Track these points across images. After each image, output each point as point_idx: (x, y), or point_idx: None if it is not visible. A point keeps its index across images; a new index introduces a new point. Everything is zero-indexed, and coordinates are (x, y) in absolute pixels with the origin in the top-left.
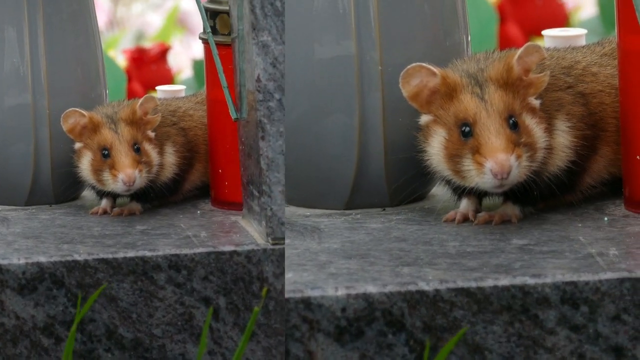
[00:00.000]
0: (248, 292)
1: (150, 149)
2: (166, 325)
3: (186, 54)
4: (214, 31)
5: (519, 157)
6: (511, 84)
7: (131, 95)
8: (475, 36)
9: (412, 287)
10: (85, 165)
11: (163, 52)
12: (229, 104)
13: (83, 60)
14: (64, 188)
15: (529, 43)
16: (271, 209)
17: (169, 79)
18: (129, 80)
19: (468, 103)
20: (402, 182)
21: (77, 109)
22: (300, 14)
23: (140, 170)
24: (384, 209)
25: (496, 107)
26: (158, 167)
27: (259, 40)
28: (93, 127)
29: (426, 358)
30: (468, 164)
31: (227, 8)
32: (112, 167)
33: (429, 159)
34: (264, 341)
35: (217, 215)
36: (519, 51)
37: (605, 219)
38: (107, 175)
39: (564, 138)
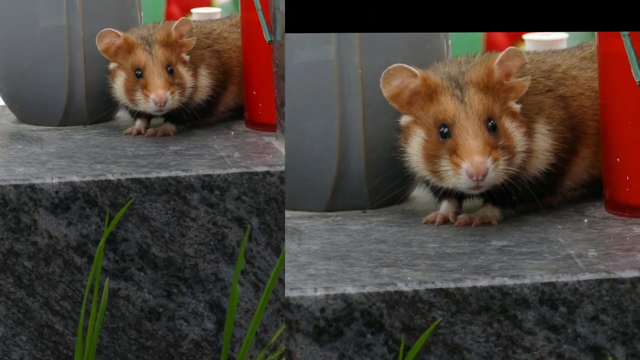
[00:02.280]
0: (281, 212)
1: (184, 71)
2: (199, 244)
3: None
4: None
5: (495, 159)
6: (491, 88)
7: (169, 18)
8: (460, 40)
9: (390, 288)
10: (118, 85)
11: None
12: (262, 27)
13: None
14: (98, 108)
15: (510, 47)
16: None
17: (207, 3)
18: (168, 3)
19: (447, 104)
20: (383, 185)
21: (112, 29)
22: None
23: (172, 92)
24: (365, 211)
25: (475, 109)
26: (191, 89)
27: None
28: (127, 48)
29: (401, 357)
30: (445, 165)
31: None
32: (145, 87)
33: (408, 160)
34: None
35: (250, 136)
36: (500, 55)
37: (585, 220)
38: (139, 95)
39: (544, 141)
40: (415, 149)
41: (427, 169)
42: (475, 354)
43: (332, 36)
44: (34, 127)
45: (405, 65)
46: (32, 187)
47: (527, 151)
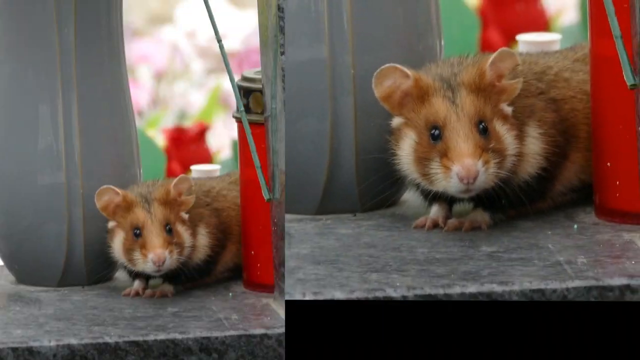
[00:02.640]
0: None
1: (182, 230)
2: None
3: (227, 133)
4: (248, 110)
5: (486, 162)
6: (483, 89)
7: (170, 175)
8: (457, 41)
9: (379, 294)
10: (117, 244)
11: (202, 132)
12: (261, 184)
13: (117, 139)
14: (97, 269)
15: (502, 48)
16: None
17: (207, 159)
18: (168, 159)
19: (439, 106)
20: (373, 187)
21: (111, 187)
22: None
23: (171, 252)
24: (355, 215)
25: (467, 111)
26: (190, 248)
27: None
28: (126, 206)
29: None
30: (436, 167)
31: (261, 86)
32: (143, 247)
33: (398, 162)
34: None
35: (249, 297)
36: (492, 56)
37: (575, 226)
38: (137, 255)
39: (535, 145)
40: (406, 151)
41: (418, 172)
42: None
43: (325, 35)
44: (32, 288)
45: (398, 66)
46: (29, 350)
47: (518, 154)
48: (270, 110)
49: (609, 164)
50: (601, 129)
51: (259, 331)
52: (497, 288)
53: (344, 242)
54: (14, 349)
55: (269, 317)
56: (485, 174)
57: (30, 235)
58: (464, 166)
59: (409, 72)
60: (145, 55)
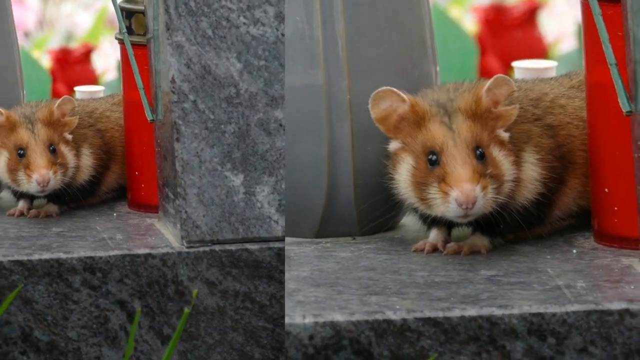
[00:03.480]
0: (163, 295)
1: (66, 150)
2: (82, 328)
3: (114, 54)
4: (130, 31)
5: (484, 188)
6: (479, 115)
7: (55, 95)
8: (456, 68)
9: (379, 316)
10: (1, 164)
11: (87, 53)
12: (144, 106)
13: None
14: None
15: (498, 75)
16: (186, 212)
17: (93, 80)
18: (54, 80)
19: (436, 132)
20: (372, 211)
21: None
22: None
23: (55, 172)
24: (354, 238)
25: (464, 137)
26: (74, 169)
27: (173, 40)
28: (10, 127)
29: None
30: (434, 193)
31: (143, 8)
32: (27, 167)
33: (396, 187)
34: (180, 345)
35: (133, 217)
36: (488, 83)
37: (574, 251)
38: (21, 175)
39: (532, 170)
40: (403, 175)
41: (416, 197)
42: None
43: (321, 61)
44: None
45: (394, 90)
46: None
47: (516, 180)
48: (153, 32)
49: (606, 189)
50: (598, 155)
51: (143, 251)
52: (497, 311)
53: (344, 265)
54: None
55: (153, 237)
56: (483, 199)
57: None
58: (462, 191)
59: (405, 96)
60: None
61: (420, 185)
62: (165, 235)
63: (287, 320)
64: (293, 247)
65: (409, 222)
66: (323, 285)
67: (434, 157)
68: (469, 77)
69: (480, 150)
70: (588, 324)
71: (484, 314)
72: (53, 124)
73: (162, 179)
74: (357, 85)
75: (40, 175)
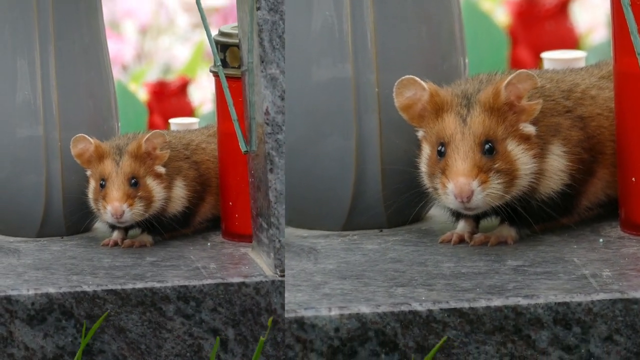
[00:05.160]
0: (256, 323)
1: (154, 184)
2: (175, 356)
3: (211, 87)
4: (224, 64)
5: (483, 182)
6: (497, 109)
7: (152, 128)
8: (487, 60)
9: (405, 308)
10: (89, 193)
11: (184, 86)
12: (238, 137)
13: (95, 92)
14: (76, 219)
15: (520, 70)
16: (279, 241)
17: (189, 112)
18: (150, 113)
19: (448, 123)
20: (400, 203)
21: (85, 136)
22: (298, 36)
23: (131, 205)
24: (382, 230)
25: (474, 130)
26: (163, 201)
27: (267, 72)
28: (98, 156)
29: None
30: (437, 183)
31: (237, 41)
32: (104, 198)
33: (419, 175)
34: None
35: (227, 247)
36: (510, 77)
37: (601, 240)
38: (100, 206)
39: (558, 162)
40: (422, 164)
41: (430, 186)
42: None
43: (350, 54)
44: (11, 239)
45: (417, 79)
46: (8, 298)
47: (539, 172)
48: (247, 64)
49: (633, 179)
50: (626, 145)
51: (236, 280)
52: (523, 301)
53: (370, 257)
54: None
55: (247, 266)
56: (482, 193)
57: (9, 186)
58: (456, 185)
59: (425, 85)
60: (130, 10)
61: (431, 175)
62: (258, 264)
63: (313, 312)
64: (320, 240)
65: (437, 213)
66: (349, 278)
67: (442, 149)
68: (500, 69)
69: (490, 144)
70: (613, 313)
71: (509, 304)
72: (141, 157)
73: (256, 209)
74: (386, 78)
75: (113, 207)
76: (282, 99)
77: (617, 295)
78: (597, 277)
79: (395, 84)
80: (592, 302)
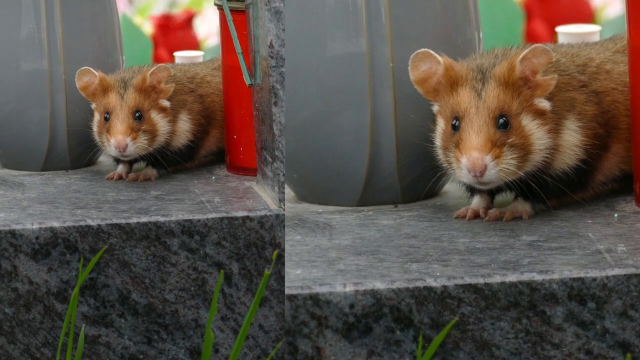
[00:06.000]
0: (261, 257)
1: (158, 117)
2: (179, 290)
3: (216, 20)
4: None
5: (496, 157)
6: (512, 84)
7: (157, 61)
8: (501, 33)
9: (420, 284)
10: (94, 126)
11: (189, 19)
12: (243, 70)
13: (99, 27)
14: (80, 153)
15: (536, 45)
16: (283, 175)
17: (195, 46)
18: (155, 46)
19: (462, 97)
20: (415, 179)
21: (90, 69)
22: (312, 11)
23: (134, 138)
24: (396, 206)
25: (488, 104)
26: (167, 135)
27: (272, 6)
28: (103, 89)
29: (430, 355)
30: (451, 157)
31: None
32: (108, 131)
33: (434, 149)
34: (276, 306)
35: (231, 180)
36: (524, 52)
37: (616, 215)
38: (104, 138)
39: (573, 137)
40: (437, 139)
41: (444, 160)
42: (504, 350)
43: (364, 28)
44: (16, 172)
45: (432, 52)
46: (12, 232)
47: (554, 147)
48: None
49: None
50: (639, 119)
51: (240, 213)
52: (537, 277)
53: (385, 233)
54: None
55: (251, 200)
56: (495, 167)
57: (14, 120)
58: (470, 159)
59: (441, 59)
60: None
61: (445, 149)
62: (263, 198)
63: (327, 289)
64: (335, 216)
65: (452, 189)
66: (364, 254)
67: (457, 122)
68: (515, 43)
69: (504, 118)
70: (628, 288)
71: (524, 280)
72: (145, 90)
73: (260, 143)
74: (400, 52)
75: (116, 140)
76: (286, 32)
77: (632, 271)
78: (611, 252)
79: (411, 57)
80: (607, 277)
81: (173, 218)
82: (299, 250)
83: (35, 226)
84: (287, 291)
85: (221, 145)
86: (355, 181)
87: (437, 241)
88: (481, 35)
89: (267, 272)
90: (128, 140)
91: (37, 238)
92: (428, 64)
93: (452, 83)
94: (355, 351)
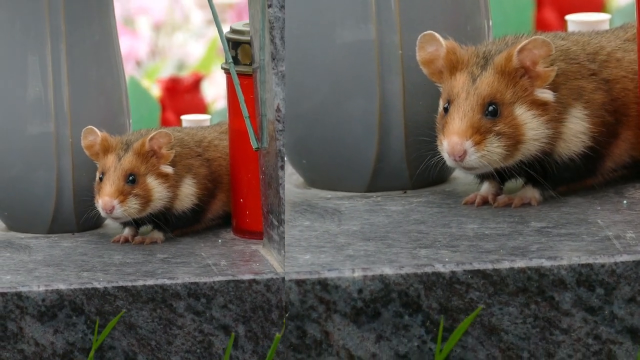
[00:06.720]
0: (267, 320)
1: (155, 183)
2: (185, 352)
3: (225, 83)
4: (236, 61)
5: (477, 143)
6: (508, 73)
7: (165, 124)
8: (512, 22)
9: (428, 269)
10: (94, 186)
11: (197, 82)
12: (250, 134)
13: (106, 89)
14: (87, 216)
15: (535, 36)
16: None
17: (202, 109)
18: (163, 109)
19: (457, 82)
20: (423, 165)
21: (94, 128)
22: None
23: (122, 201)
24: (405, 192)
25: (480, 91)
26: (165, 200)
27: (279, 70)
28: (104, 150)
29: (440, 339)
30: (439, 140)
31: (249, 38)
32: (98, 193)
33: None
34: None
35: (238, 244)
36: (523, 43)
37: (625, 202)
38: (96, 199)
39: (579, 125)
40: (437, 121)
41: (438, 143)
42: (513, 335)
43: (372, 16)
44: (22, 235)
45: (437, 35)
46: (19, 295)
47: (556, 135)
48: (259, 62)
49: None
50: None
51: (247, 277)
52: (546, 263)
53: (394, 219)
54: (3, 294)
55: (258, 263)
56: (475, 153)
57: (20, 183)
58: (450, 143)
59: (443, 42)
60: (144, 6)
61: (438, 132)
62: (269, 262)
63: (336, 274)
64: (344, 202)
65: (461, 175)
66: (373, 239)
67: (448, 106)
68: (525, 30)
69: (494, 106)
70: (637, 274)
71: (532, 266)
72: (144, 155)
73: (267, 206)
74: (409, 40)
75: (103, 201)
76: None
77: None
78: (620, 238)
79: (418, 38)
80: (616, 263)
81: (179, 281)
82: (308, 235)
83: (42, 288)
84: (295, 276)
85: (228, 209)
86: (364, 167)
87: (445, 227)
88: (491, 23)
89: (277, 335)
90: (115, 202)
91: (43, 300)
92: (434, 46)
93: (452, 67)
94: (363, 335)
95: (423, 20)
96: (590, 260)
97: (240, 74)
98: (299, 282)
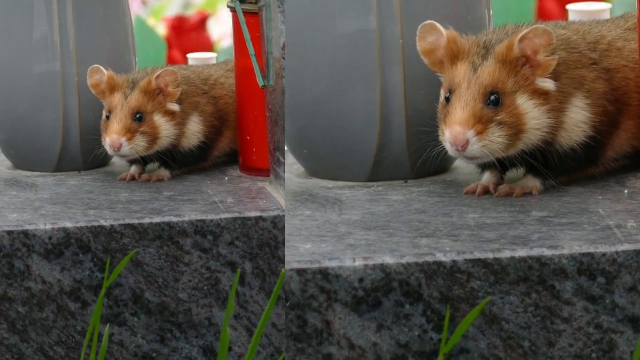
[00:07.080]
0: (274, 256)
1: (161, 120)
2: (192, 289)
3: (230, 21)
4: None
5: (479, 133)
6: (510, 62)
7: (171, 62)
8: (513, 11)
9: (429, 258)
10: (101, 124)
11: (202, 20)
12: (256, 72)
13: (112, 28)
14: (93, 154)
15: (536, 25)
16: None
17: (208, 47)
18: (169, 48)
19: (459, 71)
20: (424, 155)
21: (100, 67)
22: None
23: (130, 139)
24: (406, 181)
25: (481, 80)
26: (172, 138)
27: (284, 8)
28: (110, 88)
29: (446, 327)
30: (440, 130)
31: None
32: (105, 130)
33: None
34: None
35: (244, 181)
36: (524, 32)
37: (626, 191)
38: (103, 137)
39: (580, 114)
40: (439, 111)
41: (439, 132)
42: (514, 324)
43: (373, 6)
44: (29, 173)
45: (437, 24)
46: (25, 232)
47: (557, 125)
48: (264, 0)
49: None
50: None
51: (253, 214)
52: (547, 252)
53: (395, 208)
54: (10, 232)
55: (264, 200)
56: (477, 143)
57: (26, 122)
58: (452, 132)
59: (444, 31)
60: None
61: (440, 121)
62: (276, 198)
63: (337, 263)
64: (345, 191)
65: (462, 164)
66: (374, 229)
67: (449, 95)
68: (526, 20)
69: (495, 95)
70: (638, 263)
71: (533, 255)
72: (150, 93)
73: (273, 143)
74: (410, 30)
75: (110, 139)
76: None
77: None
78: (621, 227)
79: (419, 27)
80: (617, 252)
81: (186, 218)
82: (309, 224)
83: (48, 226)
84: (296, 265)
85: (234, 147)
86: (365, 157)
87: (446, 216)
88: (491, 12)
89: (283, 270)
90: (123, 140)
91: (49, 238)
92: (434, 35)
93: (453, 56)
94: (364, 324)
95: (424, 10)
96: (591, 250)
97: (246, 12)
98: (300, 272)
